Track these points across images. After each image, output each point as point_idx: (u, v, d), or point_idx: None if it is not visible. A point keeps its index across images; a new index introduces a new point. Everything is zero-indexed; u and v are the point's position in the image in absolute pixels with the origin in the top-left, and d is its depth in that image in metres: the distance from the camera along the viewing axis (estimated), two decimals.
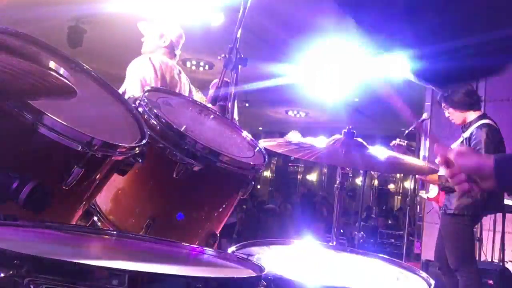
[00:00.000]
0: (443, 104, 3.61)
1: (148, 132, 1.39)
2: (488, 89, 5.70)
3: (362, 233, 4.23)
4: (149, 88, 1.66)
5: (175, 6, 6.23)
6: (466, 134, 3.47)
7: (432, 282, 1.20)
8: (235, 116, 3.61)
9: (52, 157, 1.14)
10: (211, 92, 3.98)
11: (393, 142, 4.26)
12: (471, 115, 3.50)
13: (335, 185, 1.75)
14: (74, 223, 1.29)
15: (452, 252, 3.49)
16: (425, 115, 4.84)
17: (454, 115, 3.56)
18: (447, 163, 1.23)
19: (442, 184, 3.54)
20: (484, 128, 3.36)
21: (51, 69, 0.78)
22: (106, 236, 1.11)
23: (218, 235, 1.68)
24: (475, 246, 4.56)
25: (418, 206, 7.50)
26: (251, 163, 1.62)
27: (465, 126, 3.55)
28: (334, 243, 1.66)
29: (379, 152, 1.61)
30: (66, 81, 0.82)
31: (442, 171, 3.63)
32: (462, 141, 3.52)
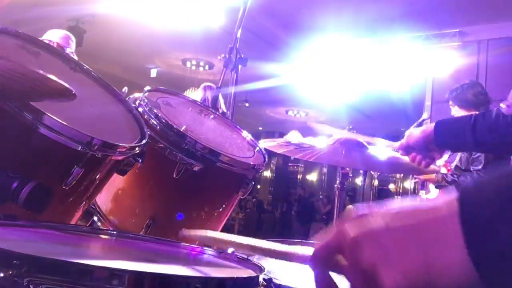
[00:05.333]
0: (450, 102, 3.60)
1: (148, 132, 1.39)
2: (488, 89, 5.69)
3: None
4: (149, 88, 1.66)
5: (175, 6, 6.23)
6: None
7: None
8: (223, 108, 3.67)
9: (52, 157, 1.14)
10: (201, 92, 4.01)
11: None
12: None
13: (335, 185, 1.74)
14: (74, 223, 1.29)
15: None
16: (425, 115, 4.84)
17: (459, 114, 3.55)
18: (407, 151, 1.38)
19: (437, 182, 3.54)
20: None
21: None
22: (106, 236, 1.11)
23: None
24: None
25: None
26: (251, 163, 1.62)
27: None
28: None
29: (379, 152, 1.61)
30: (65, 85, 0.83)
31: (443, 170, 3.61)
32: None
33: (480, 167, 3.31)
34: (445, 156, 3.81)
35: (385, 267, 0.44)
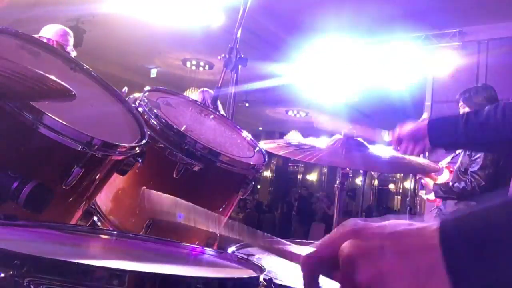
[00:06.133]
0: (460, 102, 3.60)
1: (148, 132, 1.39)
2: None
3: None
4: (149, 88, 1.66)
5: (175, 6, 6.23)
6: None
7: None
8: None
9: (52, 157, 1.14)
10: (199, 96, 4.03)
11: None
12: None
13: (335, 185, 1.74)
14: (74, 223, 1.29)
15: None
16: (425, 115, 4.84)
17: None
18: (399, 143, 1.44)
19: (437, 193, 3.55)
20: None
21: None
22: (106, 236, 1.11)
23: (218, 235, 1.68)
24: None
25: (418, 206, 7.49)
26: (251, 163, 1.62)
27: None
28: None
29: (379, 152, 1.61)
30: (65, 85, 0.83)
31: (445, 176, 3.59)
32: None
33: (476, 168, 3.31)
34: (448, 158, 3.80)
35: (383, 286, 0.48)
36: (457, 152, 3.72)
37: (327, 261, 0.54)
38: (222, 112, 3.65)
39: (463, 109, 3.57)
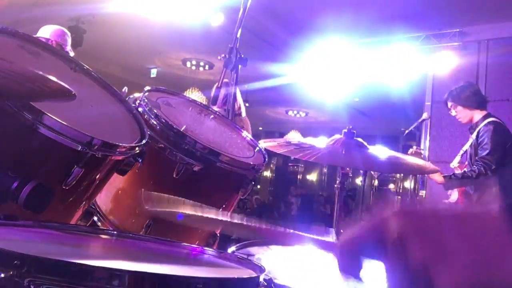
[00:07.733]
0: (450, 103, 3.61)
1: (148, 132, 1.39)
2: (488, 89, 5.69)
3: None
4: (149, 88, 1.66)
5: (175, 6, 6.23)
6: (474, 135, 3.49)
7: None
8: (243, 113, 3.68)
9: (52, 157, 1.14)
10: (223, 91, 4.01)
11: (411, 150, 4.27)
12: (477, 115, 3.52)
13: (335, 185, 1.75)
14: (74, 223, 1.29)
15: None
16: (425, 115, 4.84)
17: (462, 113, 3.57)
18: None
19: (449, 184, 3.54)
20: (490, 125, 3.38)
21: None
22: (106, 236, 1.11)
23: (218, 235, 1.68)
24: None
25: None
26: (251, 163, 1.62)
27: (471, 127, 3.57)
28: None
29: (379, 152, 1.61)
30: (65, 85, 0.83)
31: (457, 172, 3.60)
32: (471, 144, 3.53)
33: (485, 153, 3.33)
34: (458, 158, 3.81)
35: (443, 265, 0.45)
36: (464, 149, 3.73)
37: (370, 243, 0.52)
38: (243, 109, 3.63)
39: (455, 108, 3.59)
